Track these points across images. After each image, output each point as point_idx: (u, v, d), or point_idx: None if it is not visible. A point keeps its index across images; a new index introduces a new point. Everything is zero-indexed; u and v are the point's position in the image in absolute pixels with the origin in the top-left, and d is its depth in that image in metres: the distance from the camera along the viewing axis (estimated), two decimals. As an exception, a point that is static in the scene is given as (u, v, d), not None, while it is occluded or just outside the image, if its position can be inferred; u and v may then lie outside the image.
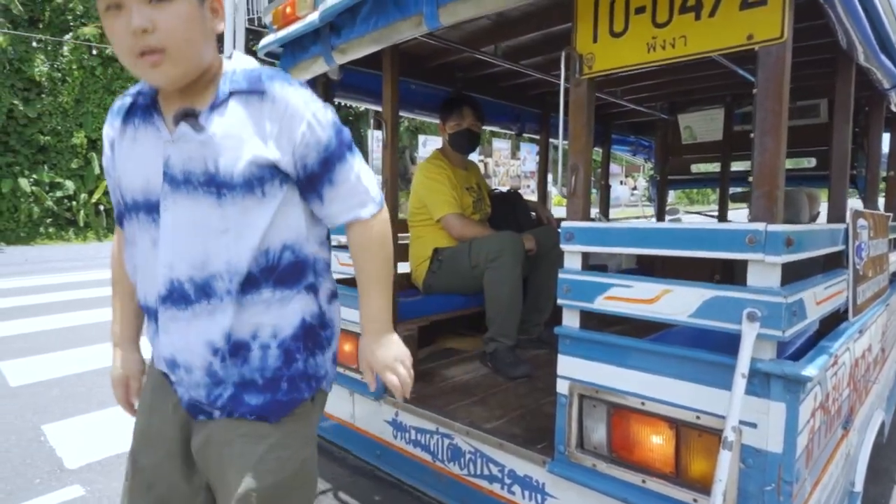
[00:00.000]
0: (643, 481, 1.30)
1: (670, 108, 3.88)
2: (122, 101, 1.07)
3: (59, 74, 13.95)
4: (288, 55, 2.16)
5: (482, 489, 1.72)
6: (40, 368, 4.21)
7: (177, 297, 0.99)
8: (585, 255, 1.43)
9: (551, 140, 3.75)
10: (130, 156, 1.02)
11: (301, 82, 1.03)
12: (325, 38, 1.93)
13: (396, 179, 2.16)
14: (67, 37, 14.07)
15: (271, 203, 0.99)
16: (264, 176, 0.97)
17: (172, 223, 0.98)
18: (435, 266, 2.58)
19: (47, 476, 2.72)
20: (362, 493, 1.87)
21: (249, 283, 0.99)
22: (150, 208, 1.00)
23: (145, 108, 1.02)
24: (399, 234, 2.30)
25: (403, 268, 2.42)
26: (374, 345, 1.13)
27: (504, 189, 3.30)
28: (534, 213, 3.15)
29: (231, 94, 0.97)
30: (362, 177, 1.08)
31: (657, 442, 1.30)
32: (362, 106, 3.07)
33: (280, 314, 1.03)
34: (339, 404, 2.26)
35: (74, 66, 14.05)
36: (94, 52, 14.21)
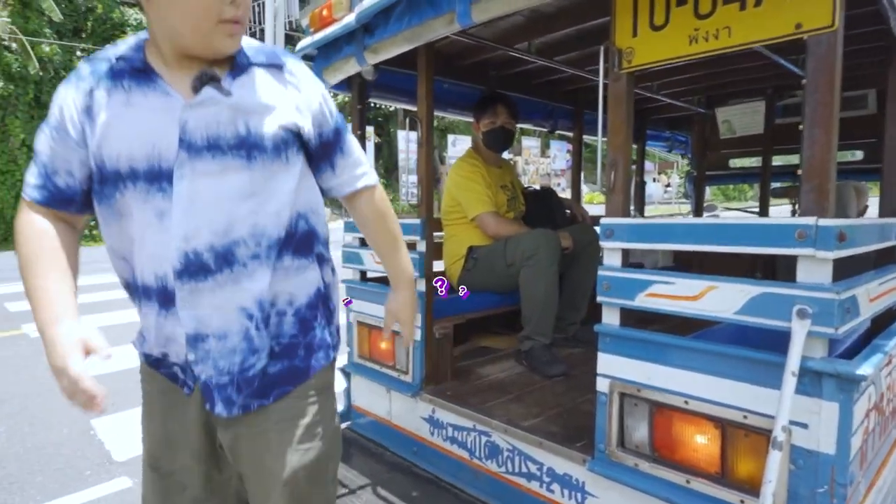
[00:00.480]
0: (687, 481, 1.28)
1: (708, 102, 3.79)
2: (95, 65, 0.98)
3: (102, 82, 14.43)
4: (322, 56, 2.19)
5: (521, 487, 1.72)
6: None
7: (194, 269, 0.95)
8: (626, 252, 1.41)
9: (585, 136, 3.71)
10: (125, 121, 0.94)
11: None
12: (358, 38, 1.95)
13: (432, 178, 2.17)
14: (108, 46, 14.57)
15: (293, 170, 1.02)
16: (289, 141, 1.01)
17: (189, 191, 0.93)
18: (470, 264, 2.58)
19: (97, 468, 2.83)
20: (400, 488, 1.88)
21: (275, 250, 1.00)
22: (155, 177, 0.94)
23: (136, 72, 0.96)
24: (434, 233, 2.31)
25: (438, 266, 2.43)
26: (405, 295, 1.28)
27: (537, 187, 3.28)
28: (568, 211, 3.13)
29: (250, 64, 1.00)
30: (362, 150, 1.20)
31: (702, 441, 1.27)
32: (395, 106, 3.09)
33: (297, 283, 1.05)
34: (376, 401, 2.29)
35: (115, 74, 14.53)
36: (134, 59, 14.65)
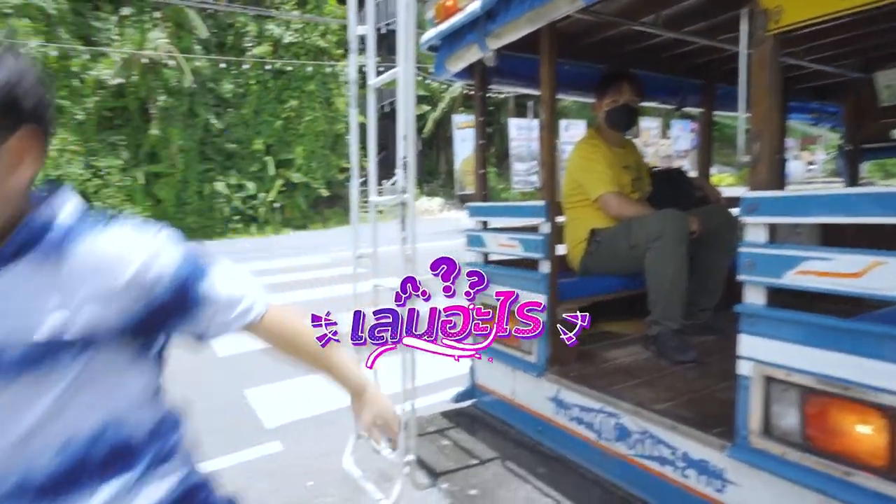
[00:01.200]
0: (847, 474, 1.18)
1: (865, 66, 3.35)
2: None
3: (241, 90, 16.03)
4: (445, 46, 2.27)
5: (652, 471, 1.68)
6: (242, 341, 4.92)
7: None
8: (772, 227, 1.32)
9: (715, 113, 3.47)
10: None
11: (135, 227, 0.82)
12: (481, 25, 2.00)
13: (555, 161, 2.17)
14: (247, 56, 16.11)
15: (61, 384, 0.75)
16: (62, 347, 0.74)
17: None
18: (592, 247, 2.54)
19: (252, 433, 3.20)
20: (527, 463, 1.93)
21: (56, 491, 0.75)
22: None
23: None
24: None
25: (560, 249, 2.42)
26: (374, 400, 1.12)
27: (663, 167, 3.12)
28: (700, 192, 2.95)
29: (17, 254, 0.73)
30: (239, 278, 0.94)
31: (865, 432, 1.17)
32: (515, 91, 3.11)
33: None
34: (501, 380, 2.34)
35: (252, 82, 16.04)
36: (268, 67, 16.10)
